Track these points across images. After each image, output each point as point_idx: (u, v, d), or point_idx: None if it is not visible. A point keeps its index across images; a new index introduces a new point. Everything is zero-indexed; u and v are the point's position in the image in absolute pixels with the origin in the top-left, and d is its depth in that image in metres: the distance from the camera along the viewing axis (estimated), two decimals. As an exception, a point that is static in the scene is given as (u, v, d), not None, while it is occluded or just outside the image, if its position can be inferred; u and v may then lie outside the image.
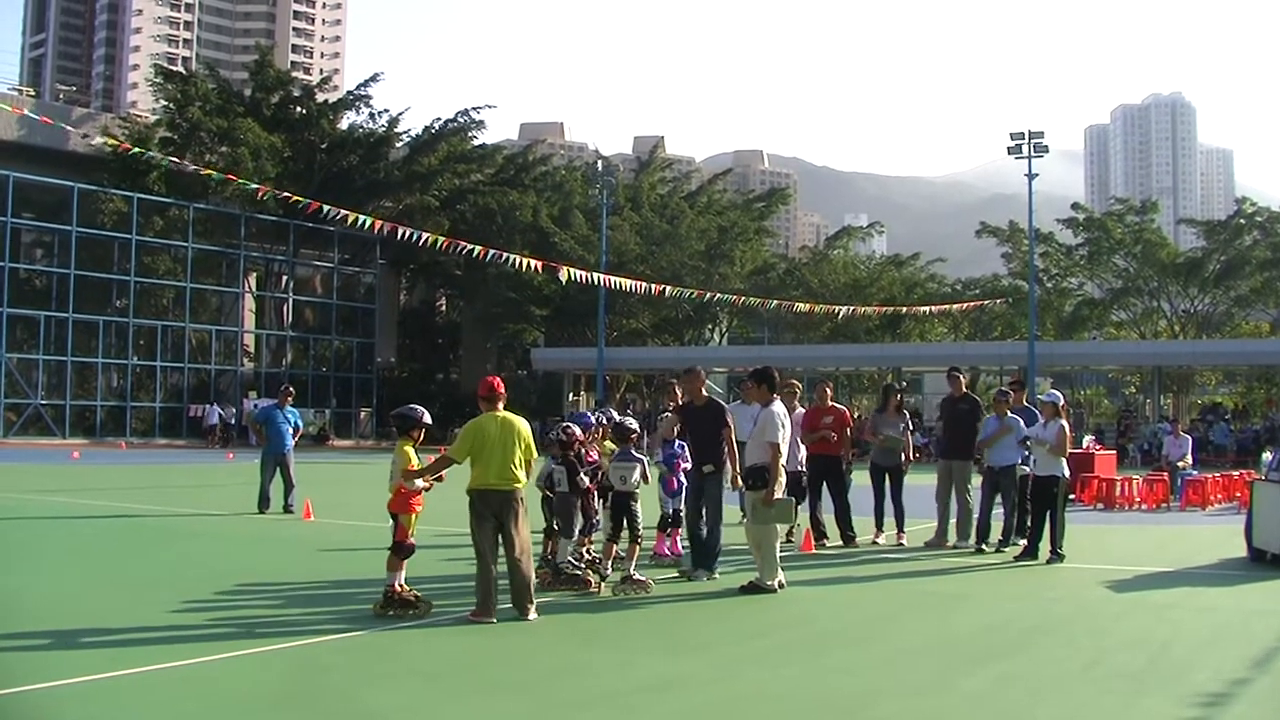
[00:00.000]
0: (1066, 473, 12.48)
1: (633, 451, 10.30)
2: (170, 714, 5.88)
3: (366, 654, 7.32)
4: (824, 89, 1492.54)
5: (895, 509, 13.83)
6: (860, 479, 14.37)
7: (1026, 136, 43.76)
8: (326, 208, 33.40)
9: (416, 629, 8.06)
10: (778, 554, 9.91)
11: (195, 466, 31.08)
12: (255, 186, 25.95)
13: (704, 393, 10.88)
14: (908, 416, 14.48)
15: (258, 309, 59.10)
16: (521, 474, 8.58)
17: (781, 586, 9.84)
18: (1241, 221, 55.25)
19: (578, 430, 9.79)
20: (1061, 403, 12.68)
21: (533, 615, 8.35)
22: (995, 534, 13.14)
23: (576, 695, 6.35)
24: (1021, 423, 13.15)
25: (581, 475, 9.65)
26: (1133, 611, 9.47)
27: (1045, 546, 12.13)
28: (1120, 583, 10.83)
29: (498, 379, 8.90)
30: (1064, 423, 12.37)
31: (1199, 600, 10.06)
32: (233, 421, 49.60)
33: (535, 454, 8.77)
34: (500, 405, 8.74)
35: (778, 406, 10.19)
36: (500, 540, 8.51)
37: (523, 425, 8.73)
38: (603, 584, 9.78)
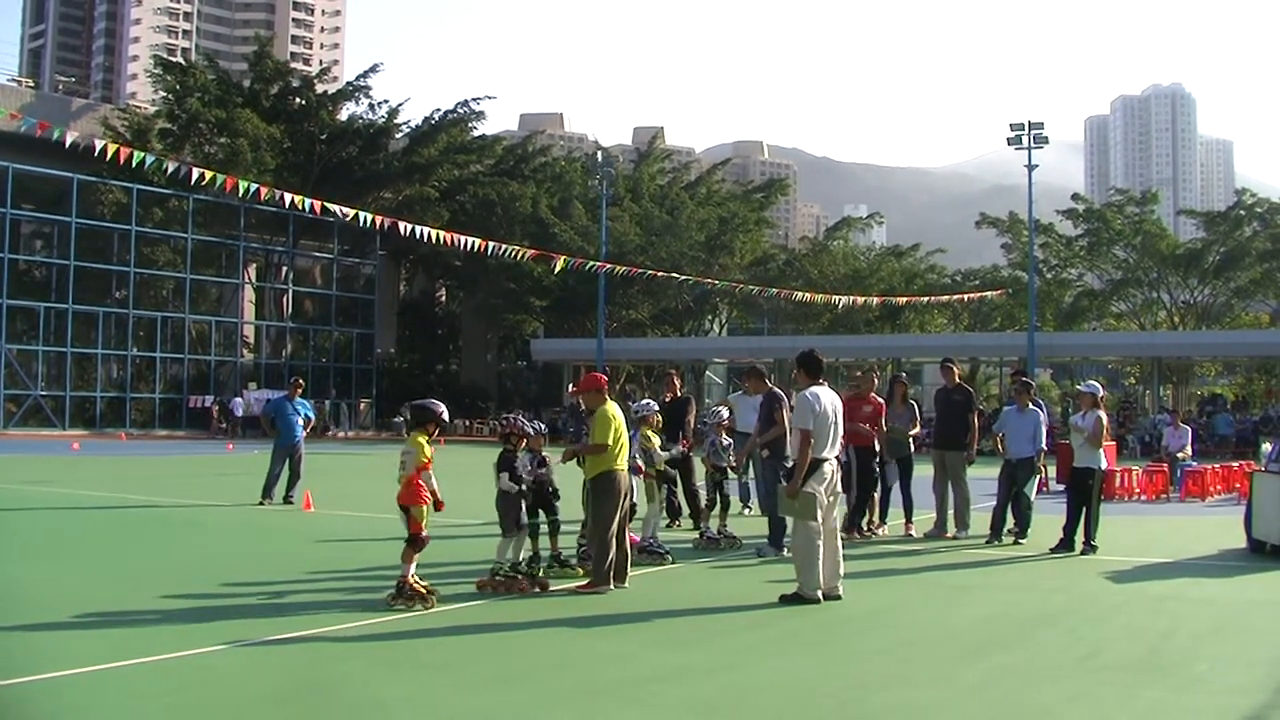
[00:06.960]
0: (1104, 464, 12.50)
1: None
2: (172, 705, 5.89)
3: (371, 645, 7.35)
4: (824, 79, 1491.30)
5: (904, 500, 13.90)
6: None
7: (1026, 127, 43.70)
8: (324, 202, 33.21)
9: (422, 619, 8.09)
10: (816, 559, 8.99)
11: (195, 457, 31.10)
12: (256, 188, 25.76)
13: (768, 384, 11.97)
14: (915, 408, 14.51)
15: (257, 300, 59.07)
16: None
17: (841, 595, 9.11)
18: (1241, 213, 55.28)
19: (526, 424, 9.62)
20: (1101, 394, 12.68)
21: (626, 584, 9.43)
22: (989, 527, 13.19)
23: (583, 685, 6.40)
24: (1041, 415, 13.21)
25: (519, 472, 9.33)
26: (1132, 602, 9.52)
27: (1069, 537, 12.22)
28: (1120, 573, 10.89)
29: (600, 374, 10.17)
30: (1101, 413, 12.38)
31: (1198, 591, 10.10)
32: (238, 413, 49.20)
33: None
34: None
35: (820, 391, 9.55)
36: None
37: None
38: (536, 584, 9.32)
